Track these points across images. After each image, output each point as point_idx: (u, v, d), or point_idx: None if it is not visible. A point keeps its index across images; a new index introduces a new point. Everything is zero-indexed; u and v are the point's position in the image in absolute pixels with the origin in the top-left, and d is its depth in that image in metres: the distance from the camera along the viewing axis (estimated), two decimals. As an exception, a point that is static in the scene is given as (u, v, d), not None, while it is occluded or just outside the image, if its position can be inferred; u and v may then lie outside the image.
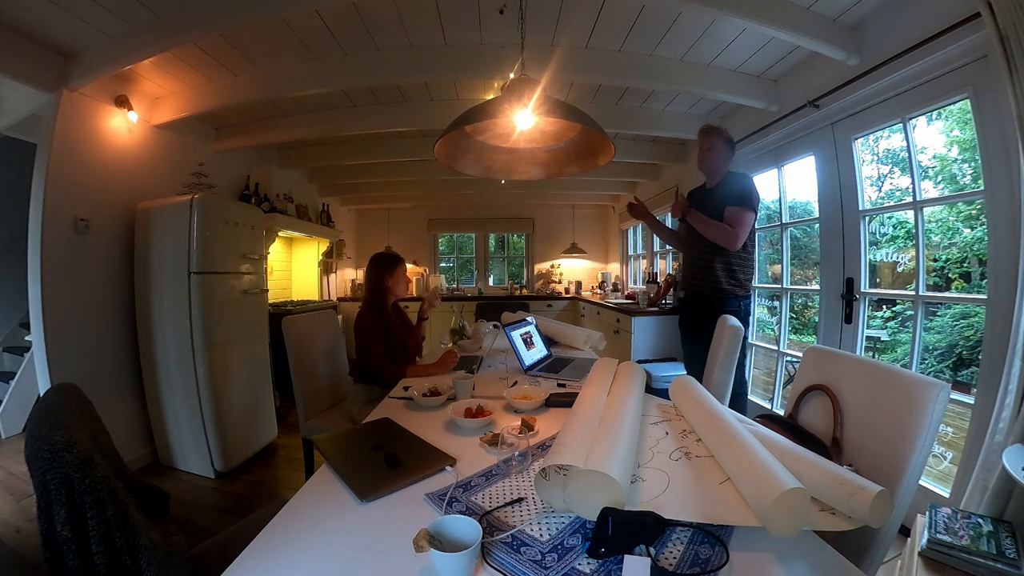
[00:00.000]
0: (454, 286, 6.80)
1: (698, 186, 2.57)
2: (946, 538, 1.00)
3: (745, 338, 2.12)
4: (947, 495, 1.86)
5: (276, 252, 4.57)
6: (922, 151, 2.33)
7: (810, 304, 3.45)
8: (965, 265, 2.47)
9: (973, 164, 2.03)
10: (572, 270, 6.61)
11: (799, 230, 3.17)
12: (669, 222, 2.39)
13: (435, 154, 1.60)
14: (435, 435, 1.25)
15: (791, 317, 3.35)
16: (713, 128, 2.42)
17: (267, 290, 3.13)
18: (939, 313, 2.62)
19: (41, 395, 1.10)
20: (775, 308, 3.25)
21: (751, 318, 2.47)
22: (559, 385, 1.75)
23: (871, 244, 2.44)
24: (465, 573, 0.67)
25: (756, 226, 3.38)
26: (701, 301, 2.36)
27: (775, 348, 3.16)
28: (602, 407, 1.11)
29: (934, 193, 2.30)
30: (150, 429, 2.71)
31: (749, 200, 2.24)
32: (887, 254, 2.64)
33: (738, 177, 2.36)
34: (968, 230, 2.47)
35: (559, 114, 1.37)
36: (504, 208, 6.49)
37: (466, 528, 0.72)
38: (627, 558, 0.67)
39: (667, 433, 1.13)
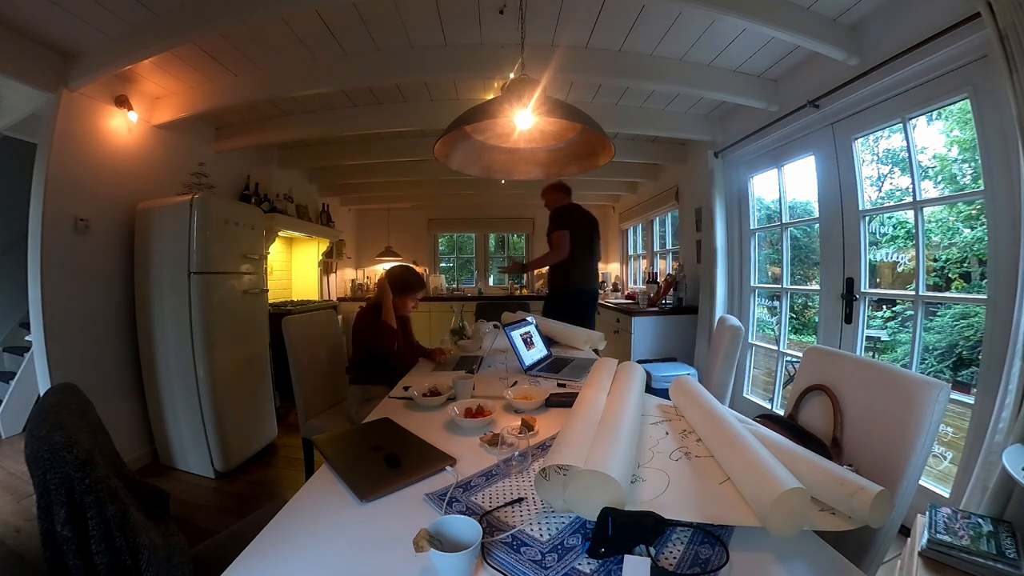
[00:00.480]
0: (454, 286, 6.80)
1: None
2: (946, 538, 1.00)
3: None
4: (947, 495, 1.86)
5: (276, 252, 4.57)
6: (922, 151, 2.33)
7: (810, 304, 3.45)
8: (965, 265, 2.47)
9: (973, 164, 2.03)
10: (572, 270, 6.60)
11: (799, 230, 3.17)
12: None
13: (435, 154, 1.60)
14: (435, 435, 1.25)
15: (791, 317, 3.35)
16: (544, 191, 3.30)
17: (267, 290, 3.13)
18: (939, 313, 2.63)
19: (41, 395, 1.10)
20: (775, 308, 3.25)
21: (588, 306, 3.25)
22: (559, 385, 1.75)
23: (871, 244, 2.44)
24: (465, 573, 0.67)
25: (756, 226, 3.43)
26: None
27: (775, 348, 3.16)
28: (602, 407, 1.11)
29: (934, 193, 2.30)
30: (150, 429, 2.71)
31: (556, 224, 3.05)
32: (887, 254, 2.65)
33: (553, 212, 3.14)
34: (968, 230, 2.48)
35: (559, 114, 1.37)
36: (504, 208, 6.48)
37: (466, 528, 0.72)
38: (627, 558, 0.67)
39: (667, 433, 1.13)
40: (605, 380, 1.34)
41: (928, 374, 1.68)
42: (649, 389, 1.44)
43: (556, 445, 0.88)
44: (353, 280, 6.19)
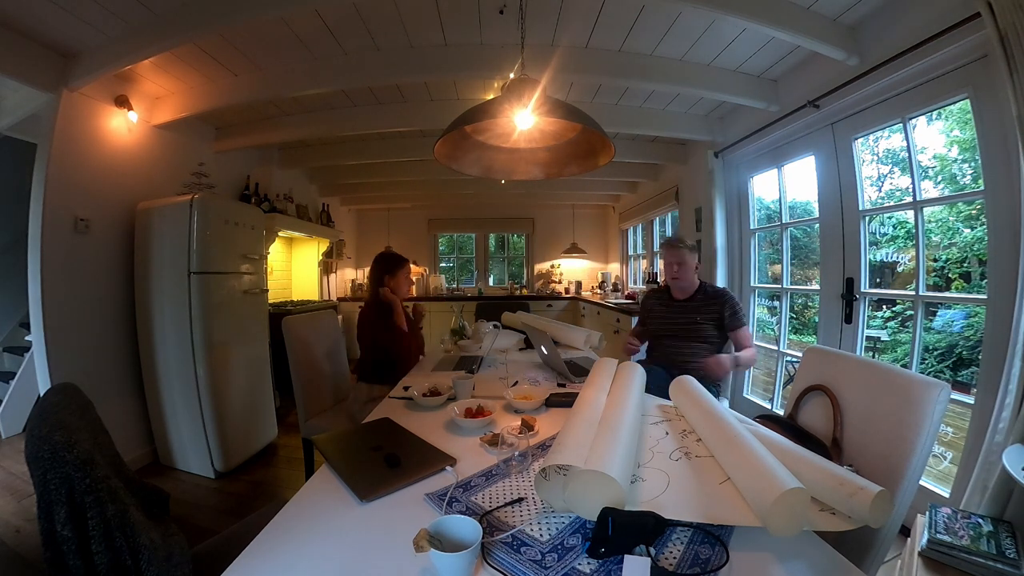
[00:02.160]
0: (454, 286, 6.80)
1: (655, 291, 2.45)
2: (946, 538, 1.00)
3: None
4: (947, 495, 1.86)
5: (276, 252, 4.57)
6: (922, 151, 2.34)
7: (810, 304, 3.45)
8: (965, 265, 2.47)
9: (973, 164, 2.03)
10: (572, 270, 6.61)
11: (799, 230, 3.16)
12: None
13: (435, 154, 1.60)
14: (435, 435, 1.25)
15: (791, 317, 3.35)
16: (680, 242, 2.23)
17: (267, 290, 3.13)
18: (939, 313, 2.63)
19: (41, 395, 1.10)
20: (775, 308, 3.25)
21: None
22: (559, 385, 1.75)
23: (871, 244, 2.44)
24: (465, 573, 0.67)
25: (756, 226, 3.42)
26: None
27: (775, 348, 3.16)
28: (602, 407, 1.11)
29: (934, 193, 2.30)
30: (150, 429, 2.71)
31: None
32: (887, 254, 2.65)
33: (722, 291, 2.21)
34: (968, 230, 2.48)
35: (559, 114, 1.37)
36: (504, 208, 6.49)
37: (466, 528, 0.72)
38: (627, 558, 0.67)
39: (667, 433, 1.13)
40: (605, 380, 1.34)
41: (928, 374, 1.68)
42: (649, 389, 1.44)
43: (556, 445, 0.88)
44: (353, 280, 6.19)
